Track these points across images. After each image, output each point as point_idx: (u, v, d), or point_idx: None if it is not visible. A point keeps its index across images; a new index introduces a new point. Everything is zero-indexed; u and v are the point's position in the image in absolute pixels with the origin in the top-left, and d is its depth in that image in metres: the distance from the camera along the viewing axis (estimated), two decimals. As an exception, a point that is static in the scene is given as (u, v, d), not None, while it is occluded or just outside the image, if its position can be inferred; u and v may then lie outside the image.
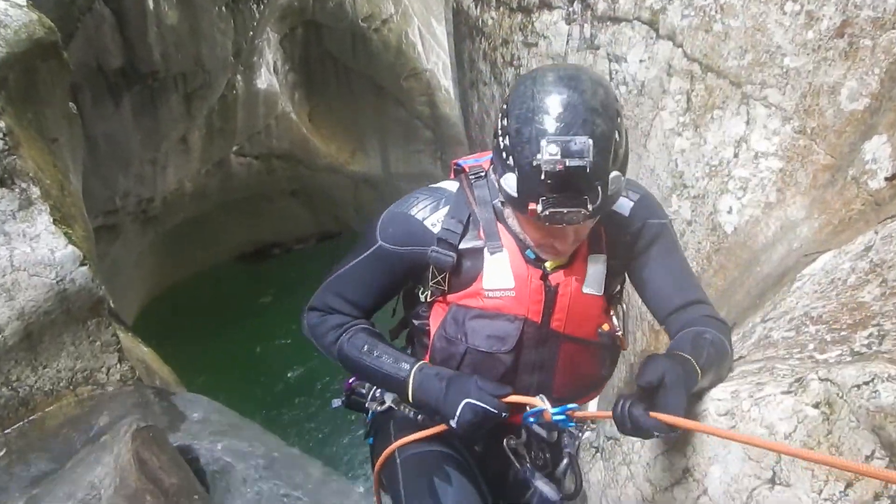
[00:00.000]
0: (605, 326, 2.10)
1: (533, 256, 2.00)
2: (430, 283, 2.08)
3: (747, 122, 2.88)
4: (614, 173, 1.76)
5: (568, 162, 1.66)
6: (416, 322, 2.23)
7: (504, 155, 1.80)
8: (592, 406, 2.55)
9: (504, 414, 1.95)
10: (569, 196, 1.71)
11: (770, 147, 2.80)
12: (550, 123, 1.71)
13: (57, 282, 3.57)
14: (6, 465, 3.30)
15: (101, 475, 3.14)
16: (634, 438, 2.05)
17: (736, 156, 2.90)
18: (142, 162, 11.09)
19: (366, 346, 2.13)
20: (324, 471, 5.02)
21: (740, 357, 2.17)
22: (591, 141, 1.67)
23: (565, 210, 1.72)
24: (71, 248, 3.66)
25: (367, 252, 2.12)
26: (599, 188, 1.72)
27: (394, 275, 2.16)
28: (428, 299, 2.13)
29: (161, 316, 11.95)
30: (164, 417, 3.75)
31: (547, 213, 1.72)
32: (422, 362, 2.09)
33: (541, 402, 1.95)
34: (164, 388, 4.66)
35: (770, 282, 2.58)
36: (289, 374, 11.76)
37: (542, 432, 2.03)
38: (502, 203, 1.98)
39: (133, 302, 11.75)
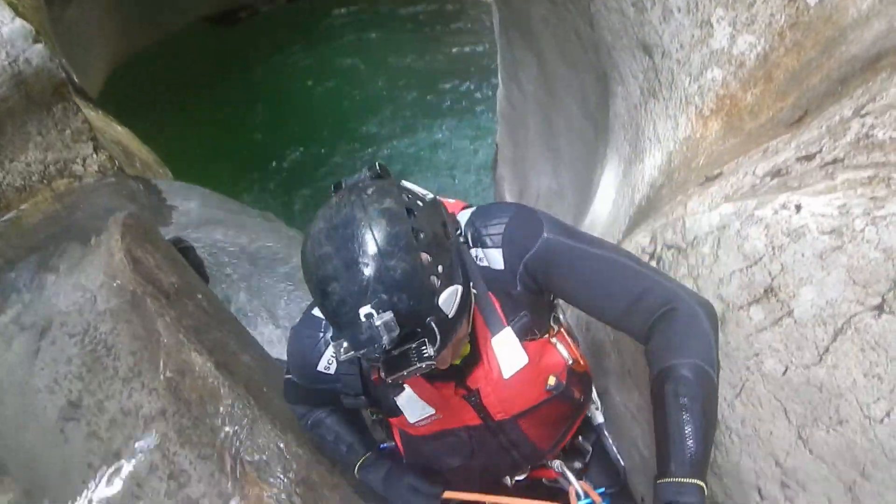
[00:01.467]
0: (552, 380, 1.93)
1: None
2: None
3: None
4: (442, 297, 1.48)
5: (367, 353, 1.43)
6: None
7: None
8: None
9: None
10: (401, 360, 1.46)
11: None
12: (332, 316, 1.49)
13: (9, 63, 3.05)
14: (-12, 267, 3.04)
15: (93, 277, 2.88)
16: (706, 249, 1.94)
17: None
18: None
19: (326, 434, 2.30)
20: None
21: (835, 160, 1.86)
22: (384, 315, 1.38)
23: (405, 372, 1.49)
24: (19, 21, 3.11)
25: (286, 377, 2.23)
26: (431, 329, 1.46)
27: (324, 391, 2.07)
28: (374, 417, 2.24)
29: (127, 88, 11.10)
30: (152, 209, 3.45)
31: (391, 378, 1.51)
32: (367, 456, 2.22)
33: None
34: (146, 171, 4.31)
35: (857, 65, 2.21)
36: (284, 154, 11.17)
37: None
38: None
39: (98, 72, 10.93)
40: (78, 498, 2.64)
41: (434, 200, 1.64)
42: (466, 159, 10.49)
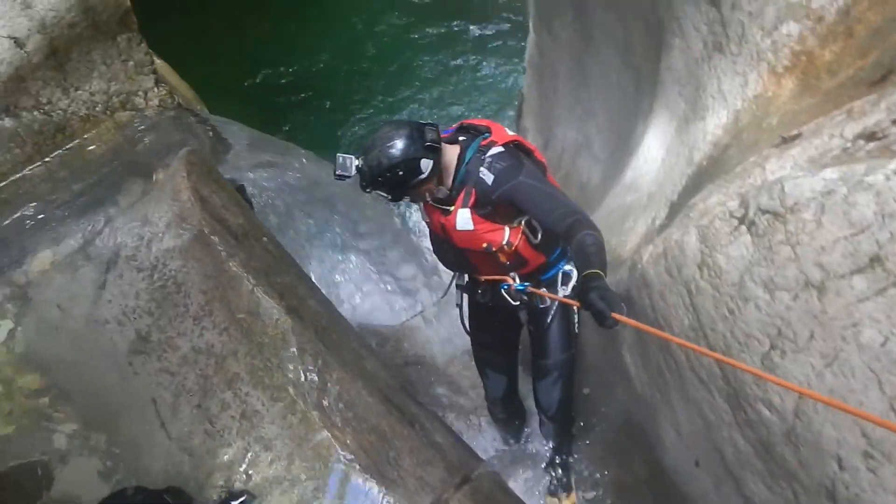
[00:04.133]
0: (485, 245, 3.14)
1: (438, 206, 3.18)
2: None
3: None
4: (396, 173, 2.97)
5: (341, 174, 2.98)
6: None
7: None
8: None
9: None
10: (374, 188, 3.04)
11: None
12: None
13: (81, -12, 2.97)
14: (52, 197, 2.97)
15: (160, 213, 2.83)
16: (808, 216, 1.91)
17: None
18: None
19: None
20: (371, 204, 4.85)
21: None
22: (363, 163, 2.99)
23: (371, 191, 3.06)
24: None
25: None
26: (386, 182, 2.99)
27: None
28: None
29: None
30: (210, 148, 3.39)
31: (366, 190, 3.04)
32: None
33: (512, 280, 3.28)
34: (190, 108, 4.21)
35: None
36: (314, 89, 10.78)
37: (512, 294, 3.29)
38: None
39: None
40: (144, 431, 2.65)
41: (425, 132, 3.03)
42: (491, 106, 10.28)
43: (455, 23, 11.58)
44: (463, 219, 3.09)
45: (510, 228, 3.13)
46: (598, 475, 3.81)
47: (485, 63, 10.93)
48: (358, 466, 2.40)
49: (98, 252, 2.86)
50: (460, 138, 3.22)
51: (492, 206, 3.06)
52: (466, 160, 3.09)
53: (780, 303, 1.98)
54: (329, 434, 2.42)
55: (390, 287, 5.03)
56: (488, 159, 3.04)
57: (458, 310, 3.67)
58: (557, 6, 6.10)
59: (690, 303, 2.39)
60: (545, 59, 7.01)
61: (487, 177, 3.01)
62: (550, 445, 3.84)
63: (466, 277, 3.52)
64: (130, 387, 2.69)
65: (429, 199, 3.14)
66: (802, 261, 1.90)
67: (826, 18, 2.65)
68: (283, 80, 10.99)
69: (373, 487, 2.42)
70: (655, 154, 4.01)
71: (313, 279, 3.65)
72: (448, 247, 3.29)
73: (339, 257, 4.28)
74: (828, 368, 1.86)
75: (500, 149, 3.09)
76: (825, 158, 2.13)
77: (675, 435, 2.91)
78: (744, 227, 2.13)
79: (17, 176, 3.03)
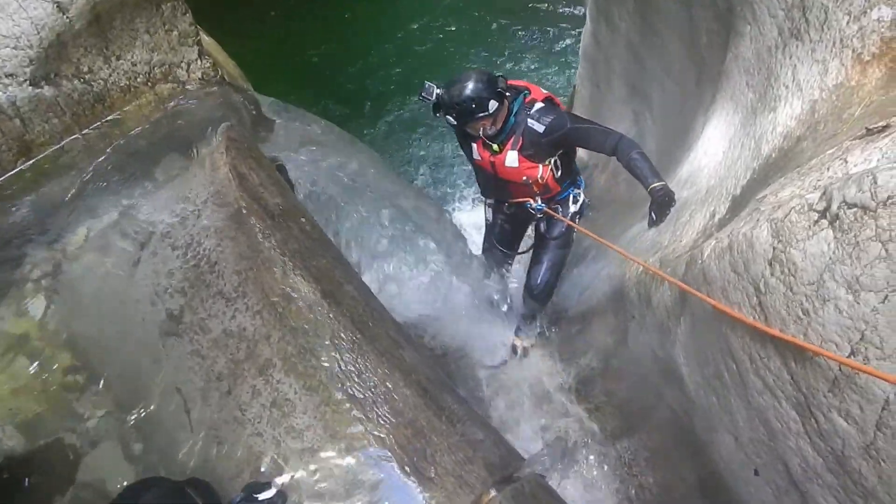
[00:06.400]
0: (524, 178, 4.30)
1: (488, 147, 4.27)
2: None
3: None
4: (487, 105, 3.98)
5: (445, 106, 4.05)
6: None
7: None
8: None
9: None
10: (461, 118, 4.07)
11: None
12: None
13: (123, -49, 2.86)
14: (89, 169, 2.87)
15: (197, 190, 2.71)
16: None
17: None
18: None
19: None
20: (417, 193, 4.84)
21: None
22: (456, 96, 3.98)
23: (458, 122, 4.10)
24: None
25: None
26: (473, 109, 4.00)
27: None
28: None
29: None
30: (252, 126, 3.27)
31: (455, 125, 4.16)
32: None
33: (534, 202, 4.52)
34: (234, 84, 4.11)
35: None
36: (369, 75, 10.83)
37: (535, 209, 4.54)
38: None
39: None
40: (174, 416, 2.54)
41: (497, 82, 4.05)
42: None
43: (512, 24, 11.50)
44: (511, 158, 4.20)
45: (542, 166, 4.25)
46: (644, 478, 3.65)
47: (539, 61, 10.82)
48: (394, 462, 2.25)
49: (133, 228, 2.77)
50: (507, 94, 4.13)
51: (535, 149, 4.16)
52: (514, 111, 4.14)
53: (865, 305, 1.78)
54: (363, 427, 2.28)
55: (430, 278, 5.04)
56: (535, 113, 4.11)
57: (491, 258, 5.11)
58: (619, -6, 5.92)
59: (758, 301, 2.19)
60: (601, 50, 6.82)
61: (538, 126, 4.08)
62: (527, 310, 5.16)
63: (495, 201, 4.84)
64: (161, 369, 2.58)
65: (482, 133, 4.12)
66: (895, 259, 1.69)
67: (924, 3, 2.44)
68: (332, 63, 10.93)
69: (409, 484, 2.27)
70: (716, 147, 3.81)
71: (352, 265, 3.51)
72: (493, 178, 4.42)
73: (383, 243, 4.24)
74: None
75: (542, 104, 4.18)
76: (921, 151, 1.93)
77: (732, 441, 2.71)
78: (825, 222, 1.92)
79: (55, 147, 2.93)
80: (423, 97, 3.92)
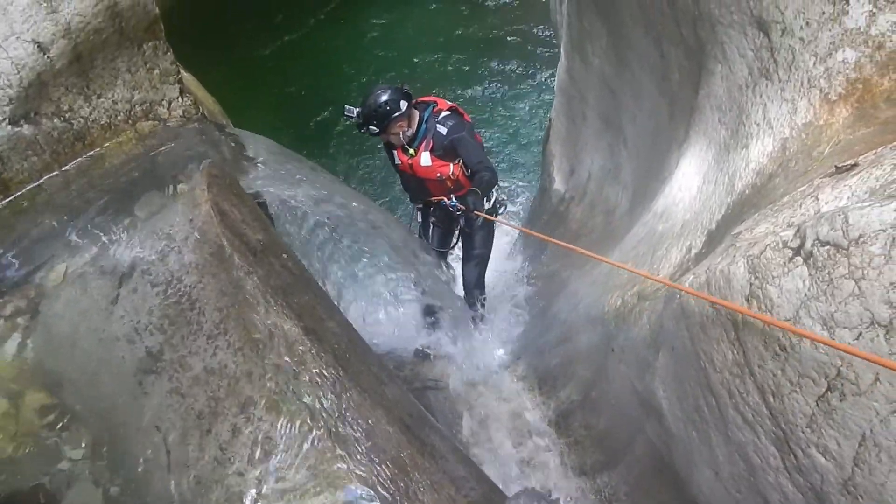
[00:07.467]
0: (438, 175, 5.17)
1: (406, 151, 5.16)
2: None
3: None
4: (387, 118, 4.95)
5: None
6: None
7: None
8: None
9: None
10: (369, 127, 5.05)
11: None
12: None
13: (108, -8, 2.87)
14: (69, 207, 2.86)
15: (177, 227, 2.71)
16: (875, 249, 1.75)
17: None
18: None
19: None
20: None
21: None
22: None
23: (367, 131, 5.11)
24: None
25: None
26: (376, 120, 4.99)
27: None
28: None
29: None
30: (233, 162, 3.27)
31: (363, 131, 5.12)
32: None
33: (447, 200, 5.08)
34: (214, 120, 4.12)
35: None
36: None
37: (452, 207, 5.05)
38: None
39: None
40: (152, 455, 2.50)
41: (402, 88, 5.09)
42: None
43: (486, 58, 11.68)
44: (425, 158, 5.09)
45: (453, 164, 5.13)
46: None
47: (515, 94, 11.01)
48: (377, 501, 2.24)
49: (113, 265, 2.75)
50: (417, 107, 5.13)
51: (443, 150, 5.06)
52: (425, 119, 5.11)
53: (840, 341, 1.81)
54: (346, 465, 2.26)
55: (408, 311, 5.49)
56: (442, 119, 5.09)
57: (445, 275, 5.87)
58: (592, 31, 6.02)
59: (736, 336, 2.22)
60: (575, 84, 6.92)
61: (442, 129, 5.03)
62: (467, 302, 6.02)
63: (422, 204, 5.69)
64: (140, 407, 2.55)
65: (401, 138, 5.05)
66: (868, 297, 1.73)
67: (886, 45, 2.53)
68: (311, 99, 11.02)
69: (390, 523, 2.26)
70: (691, 182, 3.87)
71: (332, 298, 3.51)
72: (413, 179, 5.30)
73: (361, 276, 4.28)
74: (894, 415, 1.69)
75: (447, 112, 5.18)
76: (888, 189, 1.98)
77: (712, 475, 2.73)
78: (800, 259, 1.96)
79: (34, 185, 2.92)
80: (347, 116, 4.83)
